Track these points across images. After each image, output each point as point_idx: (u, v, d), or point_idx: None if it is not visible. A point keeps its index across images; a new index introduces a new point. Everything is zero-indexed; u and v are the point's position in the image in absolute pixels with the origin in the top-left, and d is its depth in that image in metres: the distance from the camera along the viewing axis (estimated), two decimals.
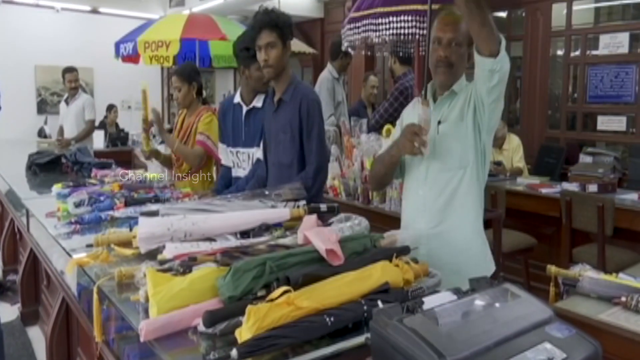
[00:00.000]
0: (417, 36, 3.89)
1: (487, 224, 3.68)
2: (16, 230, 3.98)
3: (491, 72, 1.79)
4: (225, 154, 3.17)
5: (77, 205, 2.42)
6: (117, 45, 6.84)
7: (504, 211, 3.94)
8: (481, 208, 2.07)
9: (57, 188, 2.77)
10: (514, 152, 5.14)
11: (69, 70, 6.38)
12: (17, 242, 4.19)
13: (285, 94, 2.66)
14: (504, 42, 1.76)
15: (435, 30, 1.99)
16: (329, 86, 4.93)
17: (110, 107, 8.81)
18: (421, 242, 1.98)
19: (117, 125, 8.83)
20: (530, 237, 4.16)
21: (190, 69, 3.63)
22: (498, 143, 5.22)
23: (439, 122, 2.00)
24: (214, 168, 3.61)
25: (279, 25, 2.57)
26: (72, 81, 6.39)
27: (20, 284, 3.67)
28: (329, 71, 5.01)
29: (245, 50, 2.87)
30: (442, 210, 2.01)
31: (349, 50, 4.52)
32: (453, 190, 2.00)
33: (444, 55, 1.95)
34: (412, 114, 2.14)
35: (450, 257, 1.95)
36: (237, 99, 3.08)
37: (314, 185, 2.57)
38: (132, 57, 6.83)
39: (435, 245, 1.98)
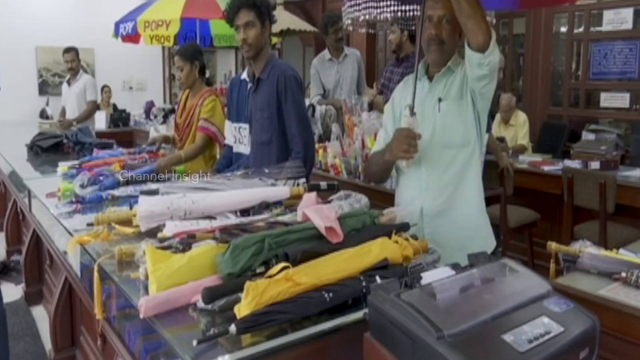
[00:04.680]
0: (419, 13, 3.82)
1: (492, 200, 3.68)
2: (19, 210, 3.99)
3: (479, 65, 1.79)
4: (229, 131, 3.17)
5: (83, 187, 2.42)
6: (117, 25, 6.76)
7: (512, 187, 3.95)
8: (482, 185, 2.07)
9: (62, 170, 2.76)
10: (519, 128, 5.13)
11: (66, 50, 6.39)
12: (20, 223, 4.21)
13: (263, 73, 2.68)
14: (494, 37, 1.75)
15: (426, 8, 1.97)
16: (313, 71, 4.88)
17: (103, 88, 8.74)
18: (425, 220, 1.99)
19: (114, 106, 8.77)
20: (534, 211, 4.16)
21: (192, 49, 3.60)
22: (505, 117, 5.20)
23: (440, 100, 1.99)
24: (217, 149, 3.60)
25: (257, 4, 2.58)
26: (68, 61, 6.40)
27: (24, 264, 3.70)
28: (323, 53, 4.93)
29: None
30: (446, 188, 2.00)
31: (349, 28, 4.44)
32: (457, 168, 1.99)
33: (434, 33, 1.94)
34: (404, 92, 2.13)
35: (455, 234, 1.97)
36: (244, 75, 3.07)
37: (307, 161, 2.58)
38: (132, 37, 6.75)
39: (439, 223, 1.99)
